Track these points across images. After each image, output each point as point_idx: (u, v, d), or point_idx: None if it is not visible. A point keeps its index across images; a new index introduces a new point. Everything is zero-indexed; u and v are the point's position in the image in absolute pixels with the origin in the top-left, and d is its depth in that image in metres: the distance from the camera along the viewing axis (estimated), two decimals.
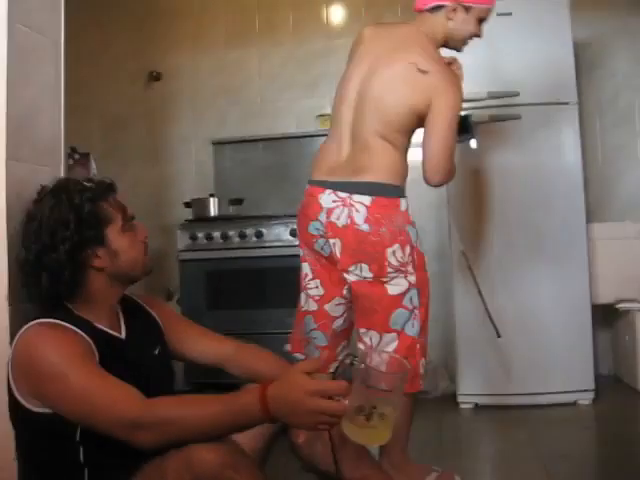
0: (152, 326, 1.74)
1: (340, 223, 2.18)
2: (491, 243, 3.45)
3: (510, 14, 3.40)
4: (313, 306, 2.34)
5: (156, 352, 1.69)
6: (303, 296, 2.38)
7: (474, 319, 3.42)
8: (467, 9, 2.25)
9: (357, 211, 2.16)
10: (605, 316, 3.82)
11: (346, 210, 2.17)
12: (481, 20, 2.30)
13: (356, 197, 2.17)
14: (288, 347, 2.43)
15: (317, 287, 2.33)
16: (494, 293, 3.40)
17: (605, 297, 3.59)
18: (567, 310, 3.43)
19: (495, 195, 3.46)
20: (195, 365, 1.84)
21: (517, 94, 3.42)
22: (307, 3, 4.39)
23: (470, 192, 3.49)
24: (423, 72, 2.15)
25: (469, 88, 3.40)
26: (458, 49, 2.38)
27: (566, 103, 3.45)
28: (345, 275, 2.23)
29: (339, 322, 2.35)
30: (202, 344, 1.78)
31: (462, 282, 3.44)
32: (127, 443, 1.36)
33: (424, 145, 2.20)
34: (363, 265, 2.19)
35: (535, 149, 3.46)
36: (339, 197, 2.19)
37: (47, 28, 1.86)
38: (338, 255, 2.21)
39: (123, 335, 1.63)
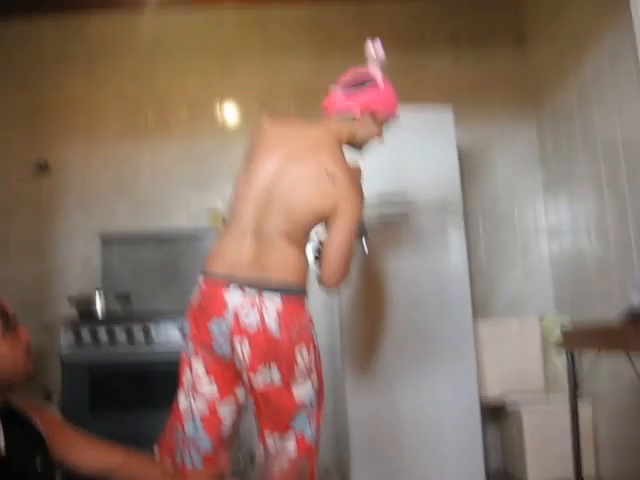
0: (34, 437, 1.62)
1: (249, 322, 2.10)
2: (382, 343, 3.48)
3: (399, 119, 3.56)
4: (202, 405, 2.20)
5: (38, 466, 1.57)
6: (185, 395, 2.23)
7: (367, 417, 3.40)
8: (374, 115, 2.35)
9: (267, 309, 2.10)
10: (493, 411, 3.90)
11: (256, 308, 2.10)
12: (383, 123, 2.40)
13: (266, 294, 2.10)
14: (156, 449, 2.25)
15: (210, 383, 2.20)
16: (386, 392, 3.41)
17: (493, 392, 3.68)
18: (457, 408, 3.48)
19: (384, 294, 3.52)
20: (79, 475, 1.72)
21: (405, 196, 3.55)
22: (201, 100, 4.46)
23: (360, 291, 3.53)
24: (332, 178, 2.18)
25: None
26: (359, 150, 2.45)
27: (451, 205, 3.61)
28: (251, 376, 2.14)
29: (227, 426, 2.23)
30: (89, 453, 1.69)
31: (354, 379, 3.43)
32: None
33: (325, 249, 2.22)
34: (272, 366, 2.12)
35: (423, 250, 3.57)
36: (247, 294, 2.11)
37: None
38: (245, 356, 2.12)
39: (2, 450, 1.50)
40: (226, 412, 2.23)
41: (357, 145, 2.43)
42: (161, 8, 4.35)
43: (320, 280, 2.23)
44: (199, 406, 2.20)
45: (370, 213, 3.45)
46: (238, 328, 2.11)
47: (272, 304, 2.11)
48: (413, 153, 3.60)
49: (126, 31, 4.51)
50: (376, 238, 3.50)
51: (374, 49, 2.40)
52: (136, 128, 4.43)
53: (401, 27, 4.49)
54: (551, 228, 4.17)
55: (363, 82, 2.37)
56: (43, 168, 4.36)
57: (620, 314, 2.36)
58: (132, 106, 4.45)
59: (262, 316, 2.10)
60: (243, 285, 2.12)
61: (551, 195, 4.16)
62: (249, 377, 2.15)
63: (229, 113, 4.46)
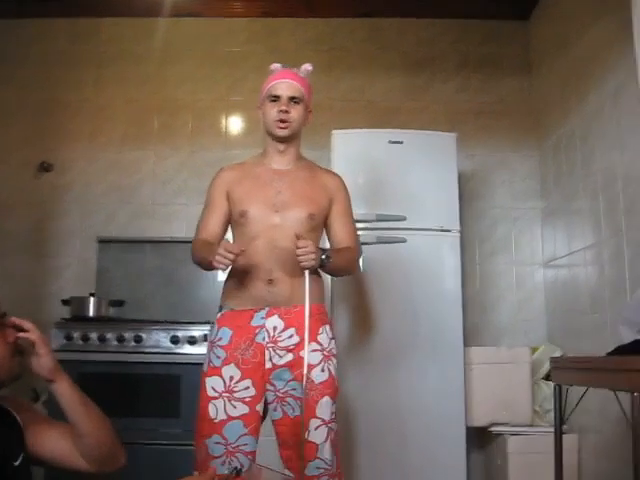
0: (14, 432, 1.62)
1: None
2: (372, 361, 3.48)
3: (401, 143, 3.61)
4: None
5: (17, 463, 1.57)
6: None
7: (359, 440, 3.39)
8: (262, 103, 2.50)
9: None
10: (479, 438, 3.88)
11: None
12: (275, 97, 2.45)
13: None
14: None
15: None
16: (374, 414, 3.41)
17: (479, 420, 3.66)
18: (442, 432, 3.47)
19: (376, 314, 3.52)
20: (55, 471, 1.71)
21: (404, 218, 3.57)
22: (207, 110, 4.48)
23: (353, 309, 3.54)
24: None
25: (359, 209, 3.55)
26: (277, 136, 2.48)
27: (449, 230, 3.63)
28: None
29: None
30: (61, 442, 1.67)
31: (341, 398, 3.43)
32: None
33: None
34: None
35: (418, 272, 3.58)
36: None
37: None
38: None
39: None
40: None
41: (271, 133, 2.49)
42: (172, 16, 4.39)
43: None
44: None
45: (368, 233, 3.48)
46: None
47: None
48: (414, 176, 3.63)
49: (137, 37, 4.56)
50: (372, 257, 3.51)
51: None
52: (141, 134, 4.46)
53: (411, 47, 4.53)
54: (547, 259, 4.17)
55: None
56: (46, 169, 4.38)
57: (609, 351, 2.36)
58: (138, 112, 4.48)
59: None
60: None
61: (549, 226, 4.17)
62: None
63: (234, 124, 4.48)
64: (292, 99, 2.44)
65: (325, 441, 2.30)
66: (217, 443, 2.29)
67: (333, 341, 2.44)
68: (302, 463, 2.29)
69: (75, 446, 1.67)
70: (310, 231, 2.41)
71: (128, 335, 3.61)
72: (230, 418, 2.30)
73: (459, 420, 3.50)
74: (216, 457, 2.29)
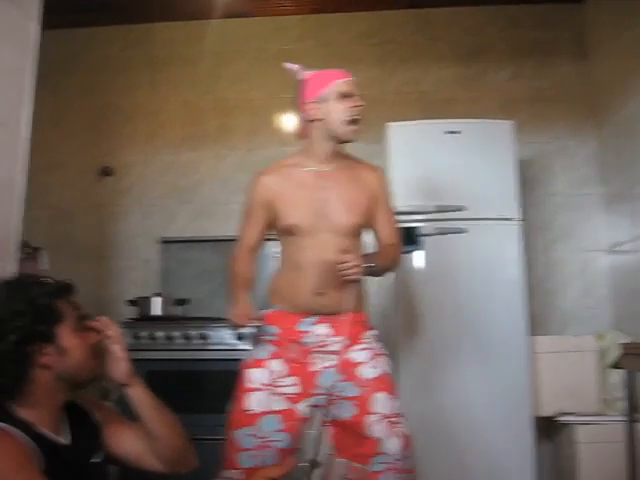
0: (94, 431, 1.67)
1: None
2: (436, 355, 3.47)
3: (459, 132, 3.58)
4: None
5: (98, 459, 1.62)
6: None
7: (417, 429, 3.38)
8: (322, 100, 2.35)
9: None
10: (547, 428, 3.84)
11: None
12: (344, 96, 2.34)
13: None
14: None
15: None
16: (439, 405, 3.40)
17: (547, 409, 3.62)
18: (509, 423, 3.44)
19: (440, 308, 3.51)
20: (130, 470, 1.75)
21: (464, 209, 3.54)
22: (262, 110, 4.52)
23: (416, 303, 3.53)
24: None
25: (418, 201, 3.54)
26: (346, 138, 2.39)
27: (510, 219, 3.59)
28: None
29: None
30: (137, 443, 1.71)
31: (407, 390, 3.42)
32: None
33: None
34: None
35: (480, 262, 3.55)
36: None
37: (10, 121, 1.86)
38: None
39: (67, 442, 1.55)
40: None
41: (338, 135, 2.38)
42: (223, 17, 4.43)
43: None
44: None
45: (427, 225, 3.47)
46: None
47: None
48: (473, 166, 3.59)
49: (188, 40, 4.62)
50: (432, 249, 3.50)
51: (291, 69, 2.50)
52: (198, 135, 4.52)
53: (461, 37, 4.49)
54: (611, 245, 4.09)
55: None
56: (107, 173, 4.49)
57: None
58: (194, 113, 4.55)
59: None
60: None
61: (612, 211, 4.09)
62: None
63: (289, 122, 4.51)
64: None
65: (388, 436, 2.26)
66: (249, 435, 2.25)
67: (379, 344, 2.42)
68: (362, 461, 2.26)
69: (149, 447, 1.71)
70: (355, 236, 2.40)
71: (194, 333, 3.67)
72: (267, 412, 2.26)
73: (526, 410, 3.46)
74: (246, 449, 2.24)
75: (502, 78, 4.41)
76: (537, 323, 3.94)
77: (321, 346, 2.33)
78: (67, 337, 1.54)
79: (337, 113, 2.33)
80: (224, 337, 3.66)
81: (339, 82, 2.35)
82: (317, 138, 2.40)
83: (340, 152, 2.45)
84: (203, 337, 3.65)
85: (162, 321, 3.83)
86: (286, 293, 2.39)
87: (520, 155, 3.76)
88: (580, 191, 4.26)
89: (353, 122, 2.35)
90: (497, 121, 3.74)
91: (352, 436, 2.28)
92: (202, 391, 3.64)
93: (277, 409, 2.27)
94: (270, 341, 2.36)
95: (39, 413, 1.50)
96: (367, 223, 2.45)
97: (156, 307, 3.91)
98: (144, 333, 3.69)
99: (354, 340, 2.32)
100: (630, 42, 3.69)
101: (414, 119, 3.84)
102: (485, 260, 3.56)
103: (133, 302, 3.98)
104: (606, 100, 4.11)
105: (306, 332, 2.33)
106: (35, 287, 1.53)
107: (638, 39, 3.59)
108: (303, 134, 2.45)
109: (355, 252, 2.32)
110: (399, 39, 4.51)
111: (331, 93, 2.35)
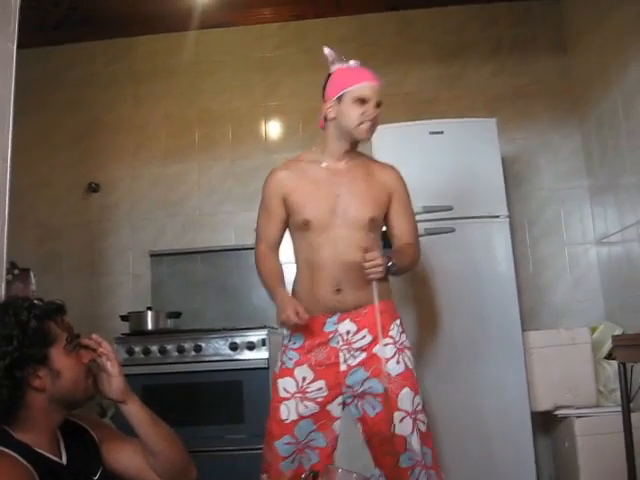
0: (91, 448, 1.67)
1: None
2: (429, 354, 3.48)
3: (442, 133, 3.60)
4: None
5: (96, 477, 1.62)
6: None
7: None
8: (339, 99, 2.36)
9: None
10: (544, 423, 3.85)
11: None
12: (363, 101, 2.34)
13: None
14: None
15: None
16: (435, 403, 3.40)
17: (543, 404, 3.63)
18: (507, 419, 3.45)
19: (431, 308, 3.52)
20: None
21: (451, 208, 3.55)
22: (245, 117, 4.52)
23: (407, 302, 3.53)
24: None
25: None
26: (360, 138, 2.42)
27: (497, 216, 3.61)
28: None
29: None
30: (135, 458, 1.71)
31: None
32: None
33: None
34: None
35: (469, 261, 3.56)
36: None
37: None
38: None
39: (64, 460, 1.55)
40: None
41: (351, 135, 2.40)
42: (203, 28, 4.44)
43: None
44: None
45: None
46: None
47: None
48: (458, 165, 3.61)
49: (170, 52, 4.63)
50: (423, 251, 3.49)
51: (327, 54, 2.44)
52: (183, 147, 4.52)
53: (442, 36, 4.51)
54: (599, 236, 4.11)
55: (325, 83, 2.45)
56: (94, 189, 4.48)
57: None
58: (178, 126, 4.55)
59: None
60: None
61: (598, 203, 4.11)
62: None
63: (273, 129, 4.52)
64: (378, 105, 2.38)
65: (412, 433, 2.30)
66: (287, 444, 2.31)
67: (404, 335, 2.44)
68: (391, 459, 2.30)
69: (148, 462, 1.71)
70: (371, 231, 2.40)
71: (188, 345, 3.66)
72: (301, 418, 2.32)
73: (523, 406, 3.47)
74: (286, 457, 2.31)
75: (484, 76, 4.43)
76: (529, 319, 3.96)
77: (349, 344, 2.35)
78: (59, 358, 1.54)
79: (349, 117, 2.36)
80: (218, 348, 3.65)
81: (357, 86, 2.35)
82: (332, 135, 2.43)
83: (355, 150, 2.47)
84: (197, 349, 3.65)
85: (155, 335, 3.82)
86: (307, 296, 2.38)
87: (504, 152, 3.78)
88: (566, 185, 4.28)
89: (370, 127, 2.37)
90: (480, 119, 3.76)
91: (380, 432, 2.32)
92: (199, 403, 3.63)
93: (309, 413, 2.32)
94: (295, 349, 2.38)
95: (36, 435, 1.50)
96: (382, 218, 2.47)
97: (148, 321, 3.90)
98: (137, 348, 3.68)
99: (383, 332, 2.34)
100: (607, 35, 3.72)
101: (399, 121, 3.84)
102: (474, 258, 3.57)
103: (125, 317, 3.96)
104: (587, 93, 4.13)
105: (333, 332, 2.35)
106: (24, 310, 1.52)
107: (615, 31, 3.61)
108: (322, 127, 2.48)
109: (374, 248, 2.34)
110: (380, 42, 4.52)
111: (347, 95, 2.35)
